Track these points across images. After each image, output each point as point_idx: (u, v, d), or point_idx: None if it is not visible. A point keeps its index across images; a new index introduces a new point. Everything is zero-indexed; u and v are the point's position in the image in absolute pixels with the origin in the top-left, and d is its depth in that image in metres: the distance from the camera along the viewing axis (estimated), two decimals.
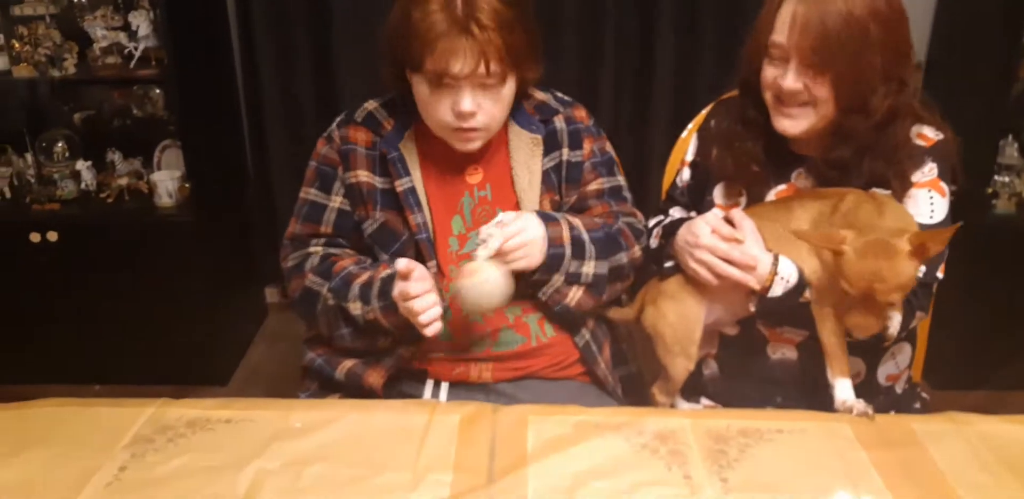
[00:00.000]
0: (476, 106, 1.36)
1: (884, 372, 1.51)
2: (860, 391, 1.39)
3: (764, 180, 1.49)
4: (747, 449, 1.14)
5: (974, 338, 2.46)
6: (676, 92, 2.75)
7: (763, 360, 1.50)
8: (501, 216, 1.38)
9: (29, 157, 2.58)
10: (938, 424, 1.21)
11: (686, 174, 1.61)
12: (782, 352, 1.49)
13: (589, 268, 1.46)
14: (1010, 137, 2.54)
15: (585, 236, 1.47)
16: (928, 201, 1.39)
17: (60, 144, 2.59)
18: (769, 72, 1.37)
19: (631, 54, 2.73)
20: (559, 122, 1.55)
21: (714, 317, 1.46)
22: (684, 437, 1.16)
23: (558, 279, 1.45)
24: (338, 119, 1.56)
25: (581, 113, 1.59)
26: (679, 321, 1.45)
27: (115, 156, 2.63)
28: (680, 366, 1.45)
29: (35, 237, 2.42)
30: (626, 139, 2.79)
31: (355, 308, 1.42)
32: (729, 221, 1.40)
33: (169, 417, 1.20)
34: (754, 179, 1.49)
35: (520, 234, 1.37)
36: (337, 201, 1.52)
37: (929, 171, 1.40)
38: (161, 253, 2.47)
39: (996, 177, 2.51)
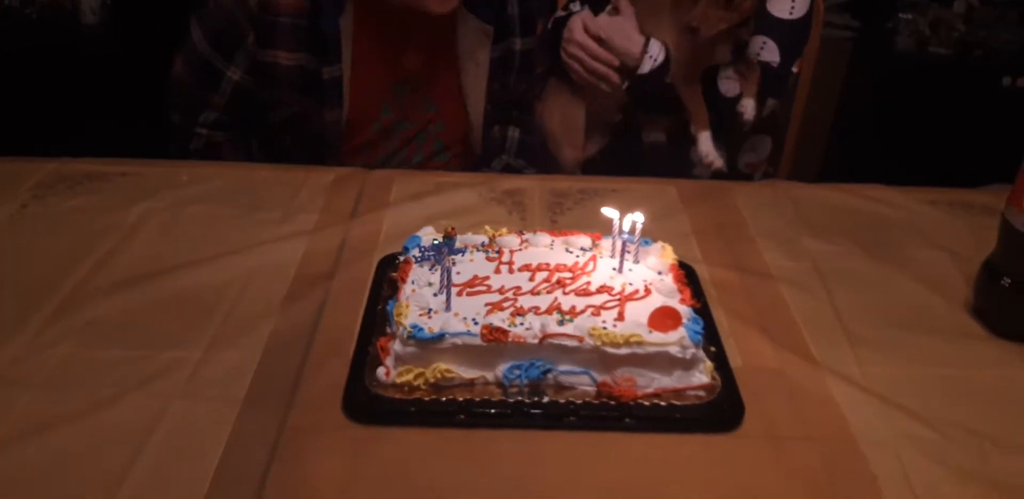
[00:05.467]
0: None
1: (743, 160, 1.68)
2: (718, 175, 1.57)
3: None
4: (581, 202, 1.29)
5: (871, 164, 2.60)
6: None
7: (638, 144, 1.65)
8: None
9: None
10: (756, 187, 1.37)
11: None
12: (654, 136, 1.63)
13: None
14: None
15: None
16: None
17: None
18: None
19: None
20: (512, 6, 1.42)
21: (596, 107, 1.59)
22: (530, 193, 1.31)
23: None
24: None
25: None
26: (563, 117, 1.60)
27: None
28: (569, 156, 1.62)
29: None
30: None
31: None
32: (616, 7, 1.51)
33: (69, 170, 1.32)
34: None
35: None
36: (237, 74, 1.35)
37: None
38: (88, 66, 2.50)
39: (900, 14, 2.59)
